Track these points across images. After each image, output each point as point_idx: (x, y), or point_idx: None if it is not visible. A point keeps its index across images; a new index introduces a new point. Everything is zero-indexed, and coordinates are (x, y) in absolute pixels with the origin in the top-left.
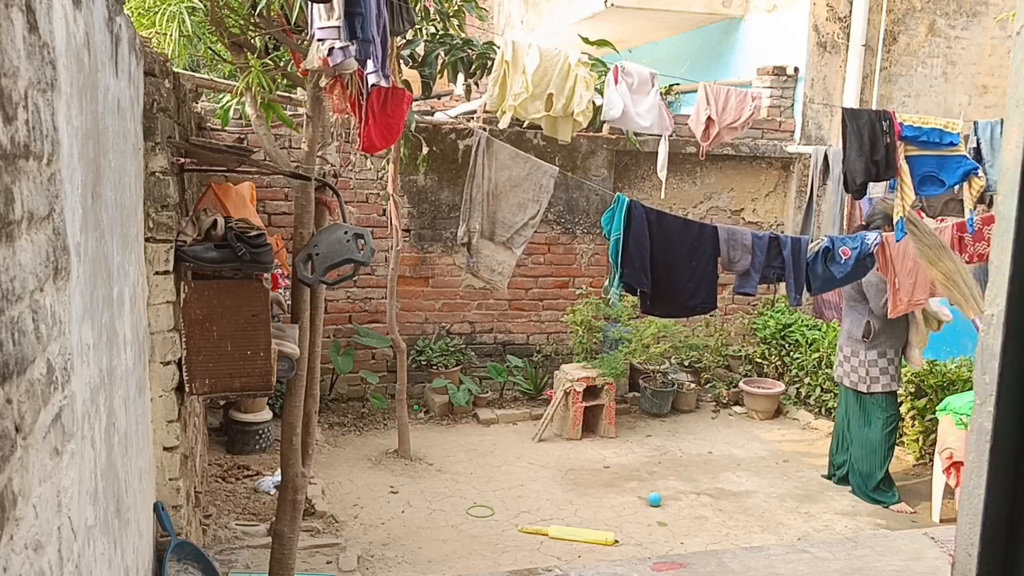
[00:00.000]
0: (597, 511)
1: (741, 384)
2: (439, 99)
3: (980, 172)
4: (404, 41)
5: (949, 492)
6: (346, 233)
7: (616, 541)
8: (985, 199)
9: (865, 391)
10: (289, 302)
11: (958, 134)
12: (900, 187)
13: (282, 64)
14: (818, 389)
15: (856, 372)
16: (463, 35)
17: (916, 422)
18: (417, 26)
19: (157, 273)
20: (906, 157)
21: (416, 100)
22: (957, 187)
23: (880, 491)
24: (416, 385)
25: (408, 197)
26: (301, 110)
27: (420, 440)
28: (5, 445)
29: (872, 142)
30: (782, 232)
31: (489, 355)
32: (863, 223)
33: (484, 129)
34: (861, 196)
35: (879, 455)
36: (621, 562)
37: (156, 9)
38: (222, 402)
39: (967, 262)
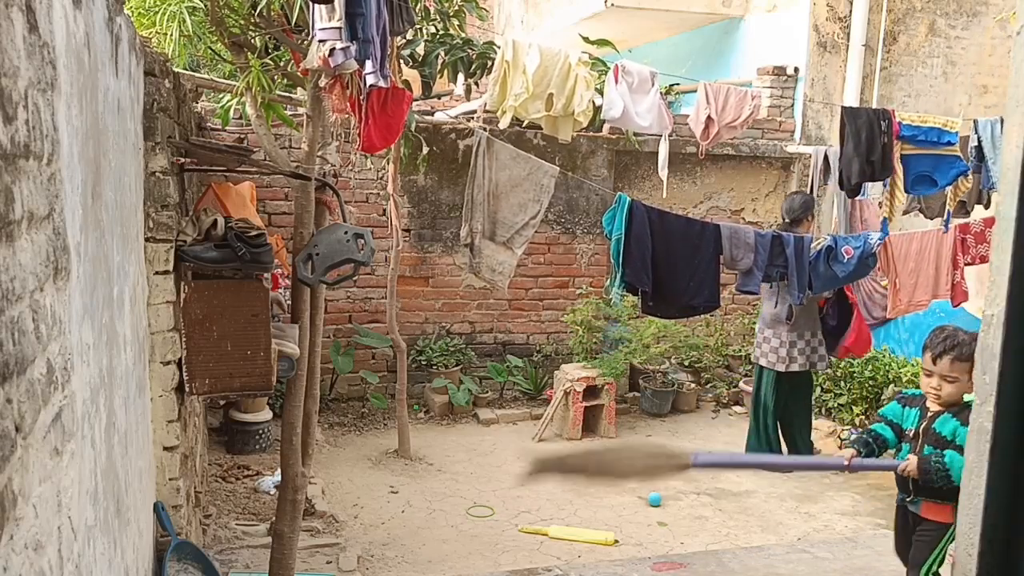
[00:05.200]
0: (597, 511)
1: (741, 384)
2: (439, 99)
3: (969, 175)
4: (404, 41)
5: None
6: (346, 233)
7: (616, 541)
8: (984, 199)
9: (783, 371)
10: (289, 302)
11: (956, 133)
12: (891, 187)
13: (282, 64)
14: (818, 389)
15: (776, 352)
16: (463, 35)
17: None
18: (417, 26)
19: (157, 273)
20: (903, 156)
21: (416, 100)
22: (947, 188)
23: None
24: (416, 385)
25: (408, 197)
26: (301, 110)
27: (420, 440)
28: (5, 445)
29: (869, 142)
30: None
31: (489, 355)
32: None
33: (484, 129)
34: (855, 195)
35: (803, 433)
36: (621, 562)
37: (156, 9)
38: (222, 402)
39: (968, 263)
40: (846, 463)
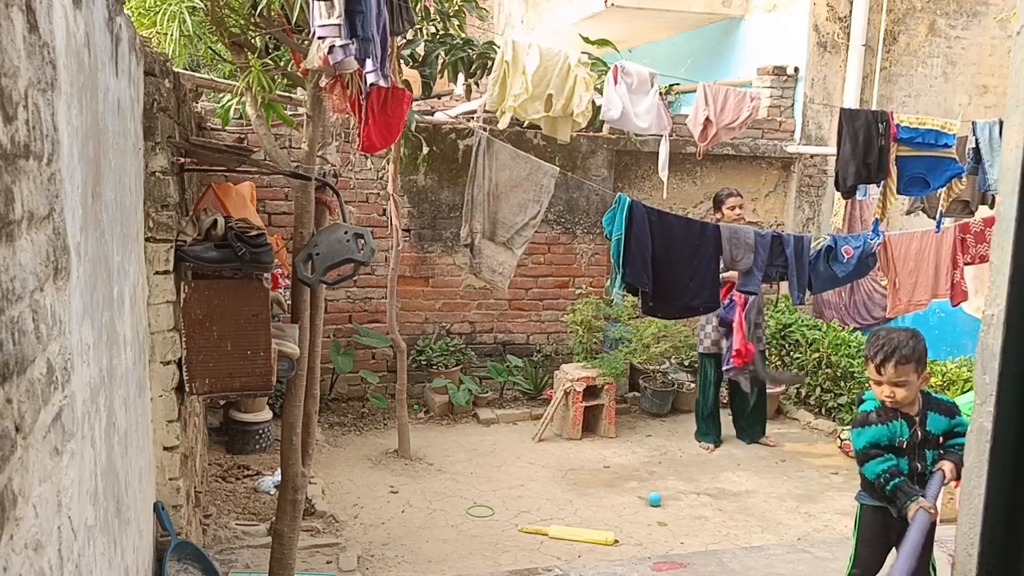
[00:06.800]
0: (597, 511)
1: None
2: (439, 99)
3: (964, 177)
4: (404, 41)
5: (948, 492)
6: (346, 233)
7: (616, 541)
8: (988, 200)
9: (702, 351)
10: (289, 302)
11: (954, 135)
12: (885, 188)
13: (282, 64)
14: (818, 389)
15: (697, 335)
16: (463, 35)
17: None
18: (417, 26)
19: (157, 273)
20: (899, 158)
21: (416, 100)
22: (940, 189)
23: (700, 432)
24: (416, 385)
25: (408, 197)
26: (301, 110)
27: (420, 440)
28: (5, 445)
29: (867, 144)
30: (782, 232)
31: (489, 355)
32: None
33: (484, 129)
34: (850, 196)
35: (702, 404)
36: (621, 562)
37: (156, 9)
38: (222, 402)
39: (968, 263)
40: (933, 514)
